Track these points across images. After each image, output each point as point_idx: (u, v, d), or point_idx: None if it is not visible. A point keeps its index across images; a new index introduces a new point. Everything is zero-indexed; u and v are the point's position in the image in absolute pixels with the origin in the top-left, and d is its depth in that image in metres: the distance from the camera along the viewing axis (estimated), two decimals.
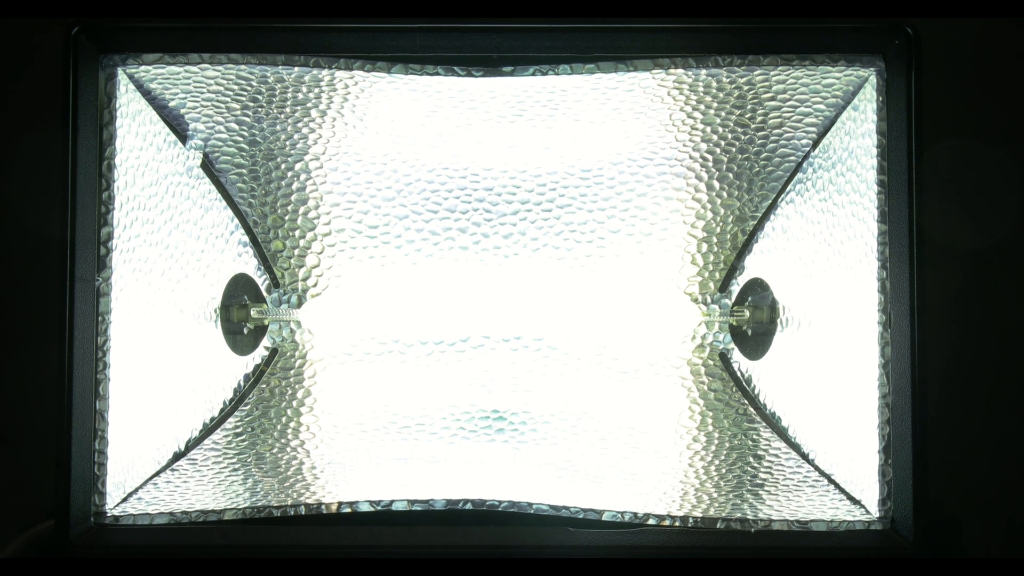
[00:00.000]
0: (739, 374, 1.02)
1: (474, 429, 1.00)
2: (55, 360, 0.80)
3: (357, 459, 0.96)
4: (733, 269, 1.02)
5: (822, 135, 0.90)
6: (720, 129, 0.91)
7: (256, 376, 1.02)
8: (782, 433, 0.96)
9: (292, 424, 0.99)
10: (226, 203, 0.97)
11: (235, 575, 0.81)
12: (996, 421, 0.86)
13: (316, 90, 0.87)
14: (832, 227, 0.89)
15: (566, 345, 1.02)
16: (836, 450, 0.88)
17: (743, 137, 0.92)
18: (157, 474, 0.89)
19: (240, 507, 0.83)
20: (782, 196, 0.96)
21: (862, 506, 0.84)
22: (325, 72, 0.83)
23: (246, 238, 1.00)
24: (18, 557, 0.82)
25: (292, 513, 0.83)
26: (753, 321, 0.99)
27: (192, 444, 0.94)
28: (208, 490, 0.87)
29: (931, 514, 0.81)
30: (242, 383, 1.00)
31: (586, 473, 0.94)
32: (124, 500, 0.85)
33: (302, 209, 0.99)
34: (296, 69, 0.83)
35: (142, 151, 0.86)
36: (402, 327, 1.02)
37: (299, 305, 1.02)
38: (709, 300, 1.02)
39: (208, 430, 0.96)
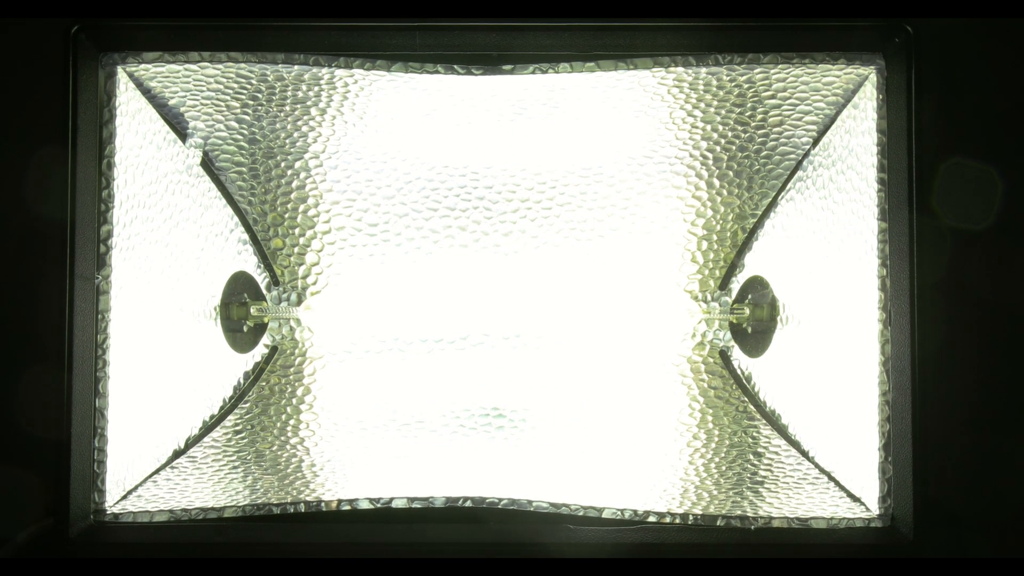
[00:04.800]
0: (739, 371, 1.02)
1: (474, 427, 1.00)
2: (55, 357, 0.80)
3: (357, 457, 0.96)
4: (733, 267, 1.02)
5: (822, 133, 0.90)
6: (720, 127, 0.91)
7: (256, 374, 1.02)
8: (782, 430, 0.96)
9: (292, 422, 0.99)
10: (226, 201, 0.97)
11: (235, 573, 0.81)
12: (997, 418, 0.86)
13: (316, 88, 0.87)
14: (832, 225, 0.89)
15: (566, 343, 1.02)
16: (836, 447, 0.88)
17: (743, 135, 0.92)
18: (157, 472, 0.89)
19: (240, 505, 0.83)
20: (782, 194, 0.96)
21: (862, 503, 0.84)
22: (325, 70, 0.83)
23: (246, 236, 1.00)
24: (17, 555, 0.82)
25: (292, 511, 0.83)
26: (753, 319, 0.99)
27: (192, 442, 0.94)
28: (208, 488, 0.87)
29: (931, 512, 0.82)
30: (242, 381, 1.01)
31: (586, 471, 0.94)
32: (124, 497, 0.85)
33: (302, 207, 0.99)
34: (296, 67, 0.83)
35: (142, 149, 0.86)
36: (402, 325, 1.02)
37: (299, 303, 1.02)
38: (709, 298, 1.02)
39: (208, 428, 0.96)
